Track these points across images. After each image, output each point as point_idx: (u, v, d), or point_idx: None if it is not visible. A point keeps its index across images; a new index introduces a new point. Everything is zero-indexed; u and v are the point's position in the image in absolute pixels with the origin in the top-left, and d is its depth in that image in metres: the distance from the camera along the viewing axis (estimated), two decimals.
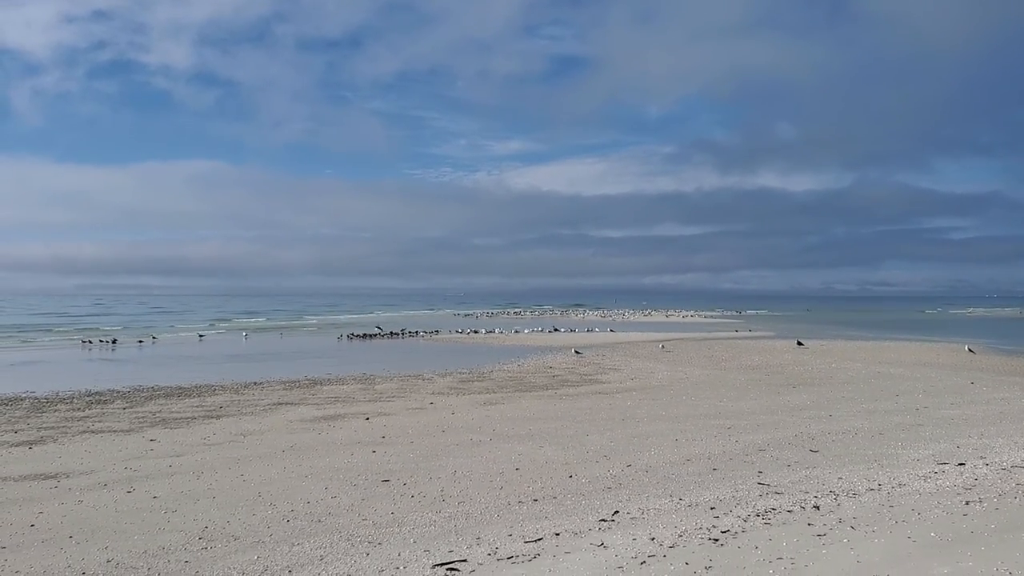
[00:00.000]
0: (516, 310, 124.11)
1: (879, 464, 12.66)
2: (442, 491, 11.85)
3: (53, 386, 25.80)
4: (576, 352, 40.06)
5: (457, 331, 62.29)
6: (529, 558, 8.27)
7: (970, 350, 39.57)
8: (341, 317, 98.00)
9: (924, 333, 60.44)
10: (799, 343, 43.47)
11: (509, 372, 30.99)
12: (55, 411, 20.62)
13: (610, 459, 13.89)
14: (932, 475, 11.47)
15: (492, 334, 58.99)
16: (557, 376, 29.37)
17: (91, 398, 23.15)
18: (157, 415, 19.89)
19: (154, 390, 24.97)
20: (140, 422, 18.83)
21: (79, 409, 20.97)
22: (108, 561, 8.94)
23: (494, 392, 24.48)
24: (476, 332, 60.92)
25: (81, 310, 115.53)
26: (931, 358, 36.13)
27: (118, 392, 24.49)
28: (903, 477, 11.43)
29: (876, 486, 10.84)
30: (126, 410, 20.82)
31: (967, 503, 9.19)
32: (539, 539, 9.10)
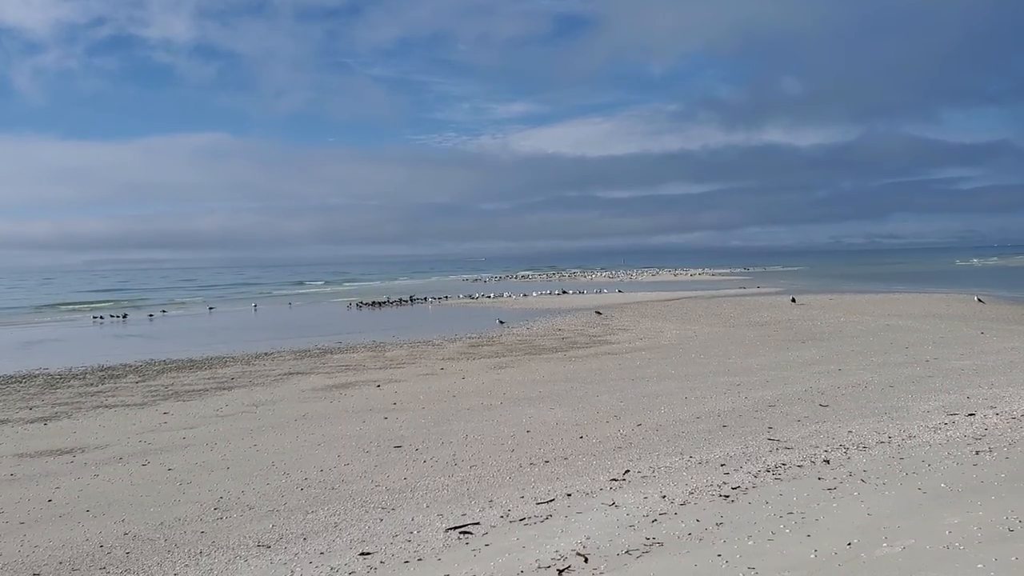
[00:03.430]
0: (524, 274, 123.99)
1: (889, 417, 12.67)
2: (454, 455, 11.93)
3: (66, 362, 25.98)
4: (500, 322, 36.96)
5: (467, 296, 62.33)
6: (541, 519, 8.33)
7: (979, 300, 39.41)
8: (375, 283, 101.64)
9: (933, 284, 60.17)
10: (793, 300, 42.85)
11: (518, 335, 31.05)
12: (68, 387, 20.79)
13: (620, 419, 13.94)
14: (942, 426, 11.47)
15: (501, 298, 59.05)
16: (567, 338, 29.41)
17: (104, 373, 23.32)
18: (169, 388, 20.03)
19: (166, 363, 25.13)
20: (153, 395, 18.98)
21: (92, 384, 21.14)
22: (125, 533, 9.06)
23: (504, 356, 24.55)
24: (488, 296, 60.98)
25: (93, 285, 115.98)
26: (940, 309, 36.00)
27: (130, 366, 24.65)
28: (913, 429, 11.43)
29: (886, 439, 10.86)
30: (139, 384, 20.97)
31: (977, 453, 9.19)
32: (551, 500, 9.17)
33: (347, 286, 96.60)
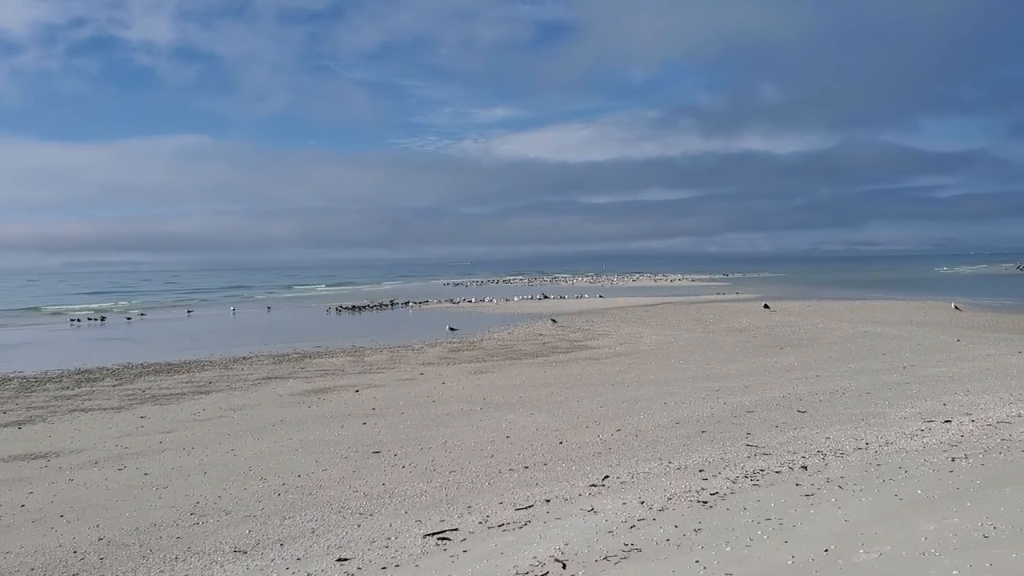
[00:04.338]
0: (506, 278, 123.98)
1: (866, 423, 12.75)
2: (433, 461, 11.89)
3: (41, 365, 25.68)
4: (450, 329, 35.11)
5: (448, 300, 62.19)
6: (520, 525, 8.31)
7: (956, 307, 39.83)
8: (365, 287, 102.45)
9: (910, 292, 60.75)
10: (766, 306, 42.98)
11: (499, 340, 31.03)
12: (44, 390, 20.53)
13: (600, 424, 13.95)
14: (919, 433, 11.55)
15: (482, 302, 58.99)
16: (547, 343, 29.42)
17: (80, 376, 23.06)
18: (147, 392, 19.84)
19: (143, 367, 24.89)
20: (130, 399, 18.79)
21: (68, 388, 20.89)
22: (100, 539, 8.95)
23: (484, 361, 24.51)
24: (469, 301, 60.88)
25: (75, 288, 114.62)
26: (918, 316, 36.35)
27: (107, 370, 24.40)
28: (890, 436, 11.51)
29: (863, 445, 10.92)
30: (116, 388, 20.76)
31: (953, 460, 9.26)
32: (530, 506, 9.15)
33: (335, 290, 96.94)
